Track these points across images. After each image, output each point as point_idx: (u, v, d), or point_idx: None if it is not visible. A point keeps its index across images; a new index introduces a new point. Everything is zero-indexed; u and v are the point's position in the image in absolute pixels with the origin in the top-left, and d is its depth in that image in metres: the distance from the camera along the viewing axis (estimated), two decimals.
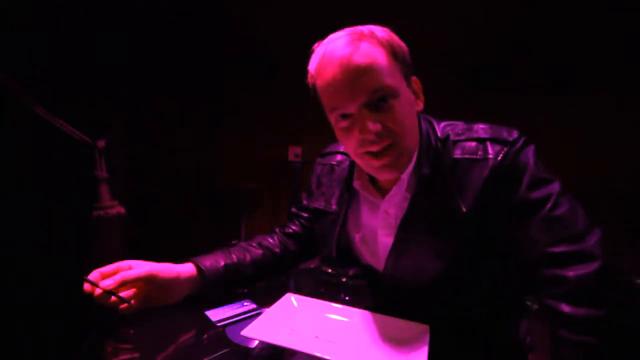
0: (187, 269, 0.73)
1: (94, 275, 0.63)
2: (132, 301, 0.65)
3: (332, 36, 0.65)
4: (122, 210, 1.59)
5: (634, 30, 2.17)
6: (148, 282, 0.67)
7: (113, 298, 0.63)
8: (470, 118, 0.70)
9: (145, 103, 2.15)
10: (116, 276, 0.64)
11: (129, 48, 1.68)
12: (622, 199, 2.26)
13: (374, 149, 0.62)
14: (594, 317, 0.50)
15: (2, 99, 1.24)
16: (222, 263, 0.76)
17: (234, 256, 0.79)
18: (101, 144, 1.53)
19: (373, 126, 0.59)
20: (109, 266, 0.66)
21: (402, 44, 0.65)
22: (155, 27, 1.98)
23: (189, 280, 0.72)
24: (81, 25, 1.43)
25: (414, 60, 0.68)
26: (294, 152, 2.65)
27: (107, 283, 0.62)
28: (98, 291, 0.62)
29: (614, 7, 2.13)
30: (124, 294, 0.65)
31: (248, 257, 0.81)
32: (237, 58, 2.58)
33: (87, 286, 0.62)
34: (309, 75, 0.67)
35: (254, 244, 0.86)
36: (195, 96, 2.54)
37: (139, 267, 0.67)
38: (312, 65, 0.66)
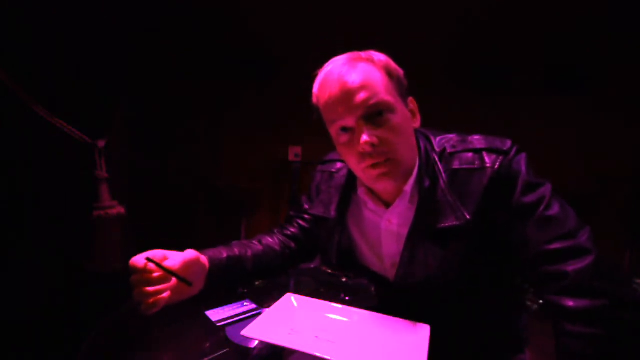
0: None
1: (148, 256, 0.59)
2: (167, 294, 0.60)
3: (333, 59, 0.70)
4: (122, 210, 1.59)
5: (632, 30, 2.17)
6: (193, 266, 0.65)
7: (162, 287, 0.58)
8: (468, 120, 0.72)
9: (145, 103, 2.15)
10: (177, 257, 0.62)
11: (129, 48, 1.68)
12: (621, 199, 2.26)
13: (372, 161, 0.65)
14: (595, 308, 0.52)
15: (2, 99, 1.24)
16: (225, 254, 0.76)
17: (235, 249, 0.80)
18: (101, 144, 1.53)
19: (369, 138, 0.62)
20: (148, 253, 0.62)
21: (398, 68, 0.70)
22: (156, 27, 1.99)
23: (203, 269, 0.71)
24: (81, 24, 1.43)
25: (412, 61, 0.69)
26: (294, 152, 2.65)
27: (169, 264, 0.60)
28: (155, 274, 0.58)
29: (613, 7, 2.13)
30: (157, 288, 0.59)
31: (249, 252, 0.82)
32: (237, 58, 2.57)
33: (137, 262, 0.57)
34: (313, 96, 0.72)
35: (254, 242, 0.87)
36: (195, 96, 2.54)
37: (178, 255, 0.65)
38: (315, 87, 0.71)
